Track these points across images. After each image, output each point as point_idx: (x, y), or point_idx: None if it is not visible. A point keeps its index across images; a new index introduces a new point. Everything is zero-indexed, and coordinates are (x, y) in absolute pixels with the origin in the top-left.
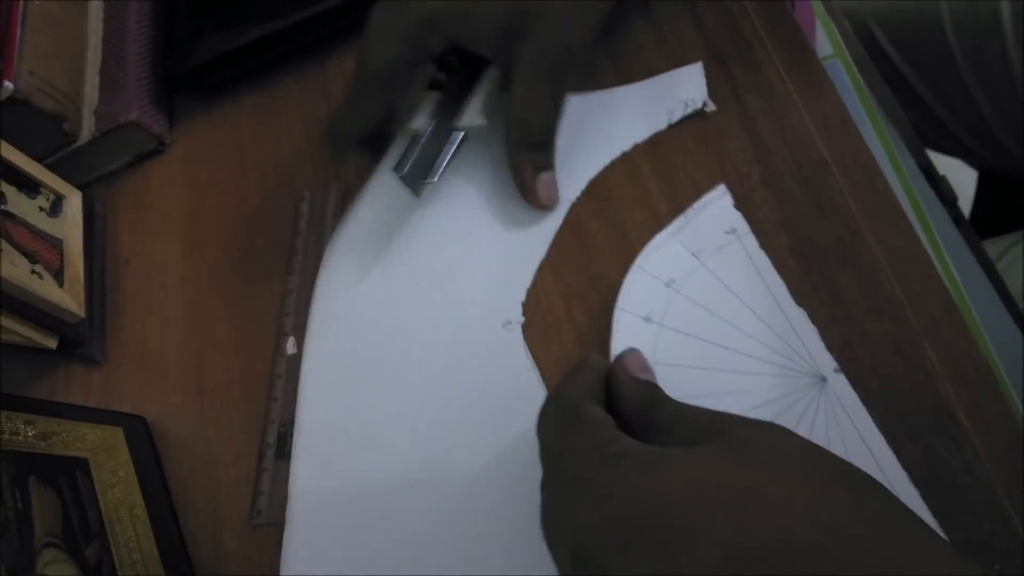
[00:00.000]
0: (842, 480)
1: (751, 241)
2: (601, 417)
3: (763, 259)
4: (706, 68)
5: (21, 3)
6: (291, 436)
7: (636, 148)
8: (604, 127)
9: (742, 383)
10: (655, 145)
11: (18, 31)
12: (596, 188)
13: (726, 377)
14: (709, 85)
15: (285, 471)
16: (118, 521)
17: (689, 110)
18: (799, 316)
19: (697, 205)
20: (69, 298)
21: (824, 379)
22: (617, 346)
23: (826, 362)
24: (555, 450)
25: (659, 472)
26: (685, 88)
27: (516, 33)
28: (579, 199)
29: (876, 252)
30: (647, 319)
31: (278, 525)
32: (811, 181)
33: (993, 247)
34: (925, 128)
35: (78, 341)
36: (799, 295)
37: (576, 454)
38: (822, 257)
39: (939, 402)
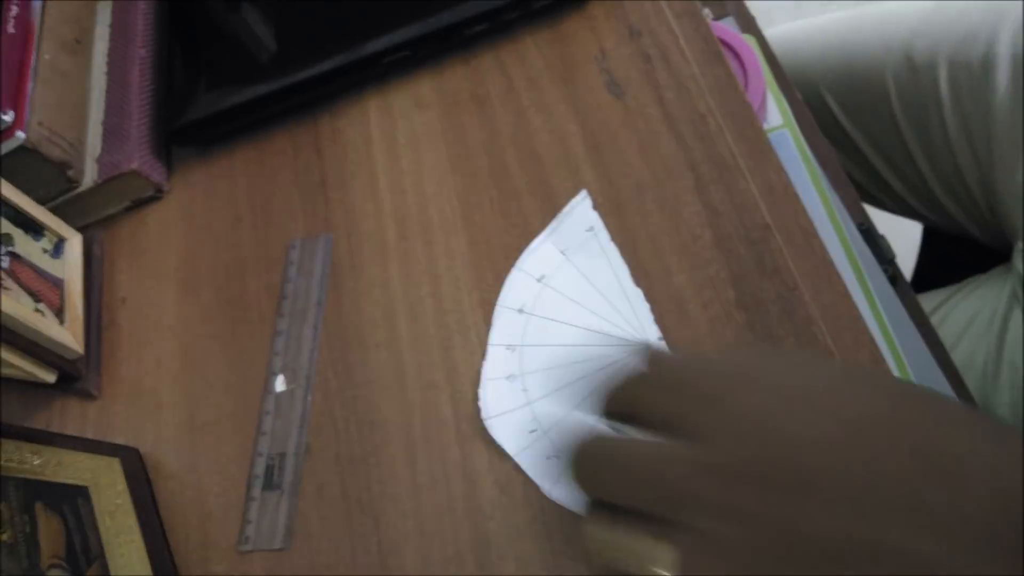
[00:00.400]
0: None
1: (604, 236)
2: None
3: (613, 251)
4: (661, 138)
5: (33, 57)
6: (279, 468)
7: (601, 208)
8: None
9: (588, 353)
10: (618, 206)
11: (29, 84)
12: None
13: (576, 350)
14: (669, 155)
15: (272, 501)
16: (116, 546)
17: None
18: (637, 296)
19: (566, 209)
20: (69, 335)
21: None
22: (494, 336)
23: (653, 332)
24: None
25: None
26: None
27: None
28: None
29: (811, 307)
30: (520, 311)
31: (264, 551)
32: (755, 243)
33: (934, 298)
34: (873, 189)
35: (76, 376)
36: (743, 344)
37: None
38: (764, 311)
39: None
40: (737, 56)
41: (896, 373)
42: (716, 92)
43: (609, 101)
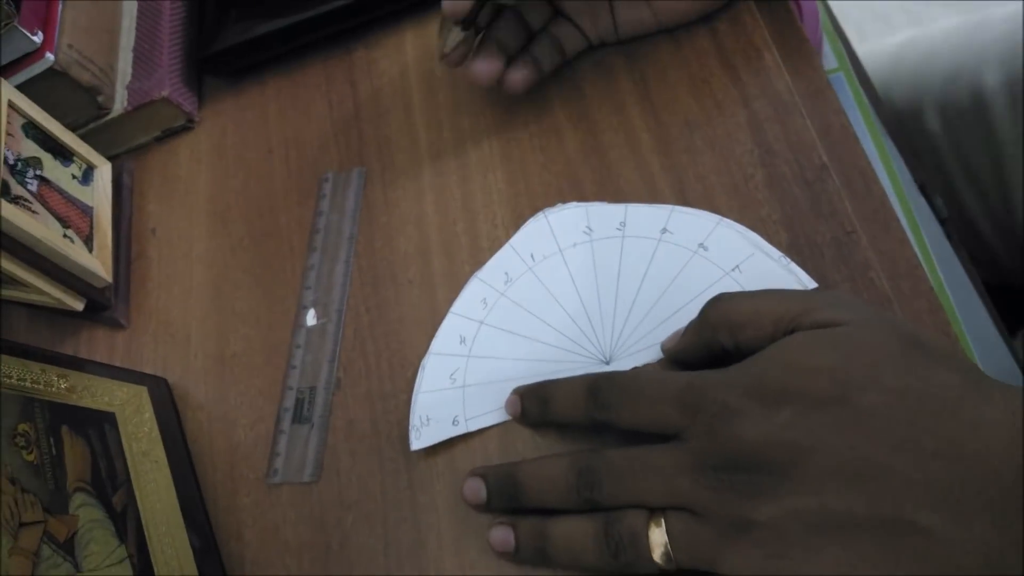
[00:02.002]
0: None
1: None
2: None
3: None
4: (713, 73)
5: None
6: (309, 402)
7: (646, 146)
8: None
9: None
10: (666, 144)
11: (59, 5)
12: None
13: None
14: (720, 91)
15: (301, 435)
16: (142, 473)
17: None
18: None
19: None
20: (98, 263)
21: (607, 363)
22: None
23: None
24: (648, 386)
25: (763, 358)
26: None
27: None
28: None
29: (868, 252)
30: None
31: (292, 484)
32: (811, 184)
33: None
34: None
35: (104, 305)
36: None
37: (675, 378)
38: (818, 254)
39: None
40: None
41: (950, 323)
42: (773, 25)
43: (658, 33)
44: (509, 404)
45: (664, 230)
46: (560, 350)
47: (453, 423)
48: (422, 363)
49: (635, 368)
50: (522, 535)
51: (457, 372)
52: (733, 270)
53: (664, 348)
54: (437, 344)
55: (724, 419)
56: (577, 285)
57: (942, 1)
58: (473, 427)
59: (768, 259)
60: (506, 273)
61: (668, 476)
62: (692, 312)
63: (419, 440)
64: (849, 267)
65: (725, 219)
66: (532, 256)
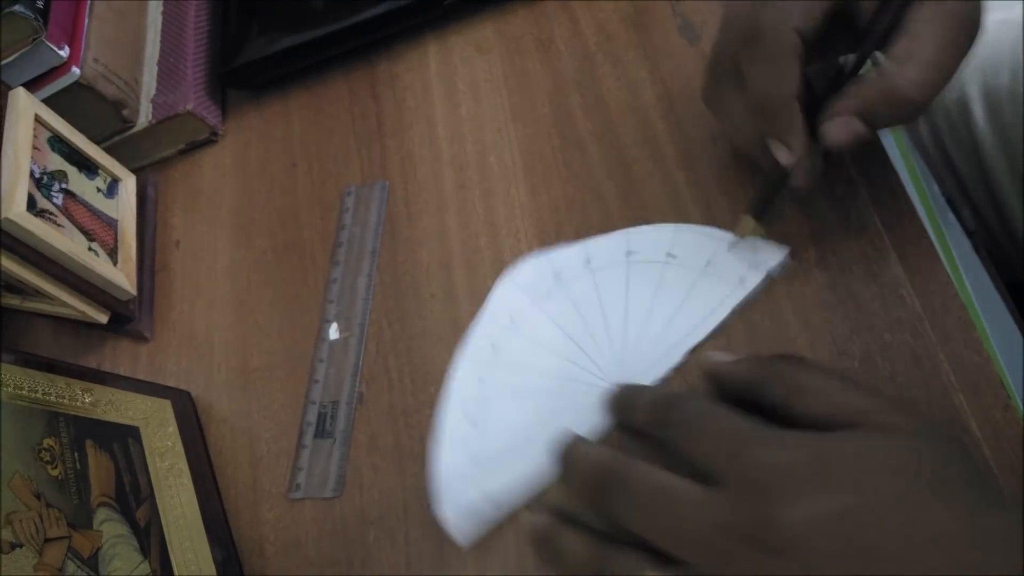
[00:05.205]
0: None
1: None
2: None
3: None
4: None
5: None
6: (331, 416)
7: (671, 160)
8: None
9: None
10: (691, 158)
11: (86, 20)
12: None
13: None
14: None
15: (324, 449)
16: (166, 487)
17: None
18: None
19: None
20: (122, 276)
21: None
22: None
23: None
24: (711, 421)
25: (838, 441)
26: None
27: None
28: None
29: (898, 269)
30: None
31: (315, 499)
32: (840, 199)
33: None
34: None
35: (128, 317)
36: (823, 305)
37: (742, 422)
38: (847, 270)
39: (952, 412)
40: None
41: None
42: None
43: (682, 46)
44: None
45: (629, 253)
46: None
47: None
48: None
49: (691, 395)
50: (534, 527)
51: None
52: (705, 266)
53: (712, 361)
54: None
55: (772, 490)
56: (563, 329)
57: None
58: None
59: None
60: (492, 345)
61: (687, 523)
62: (680, 322)
63: (465, 528)
64: (879, 284)
65: (682, 225)
66: (511, 319)
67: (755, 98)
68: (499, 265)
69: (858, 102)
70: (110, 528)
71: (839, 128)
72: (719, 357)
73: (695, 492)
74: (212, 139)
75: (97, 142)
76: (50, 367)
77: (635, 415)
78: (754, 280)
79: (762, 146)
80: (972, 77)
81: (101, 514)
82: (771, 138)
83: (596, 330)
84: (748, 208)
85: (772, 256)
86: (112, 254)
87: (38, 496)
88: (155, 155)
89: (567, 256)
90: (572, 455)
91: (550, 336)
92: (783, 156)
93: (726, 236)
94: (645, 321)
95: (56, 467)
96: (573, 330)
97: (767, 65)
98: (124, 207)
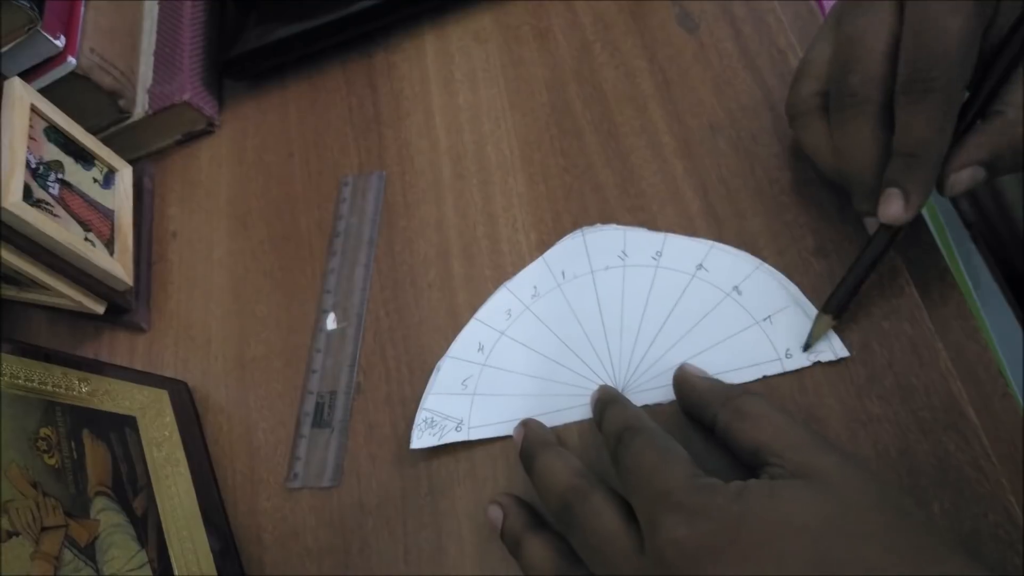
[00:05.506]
0: (902, 518)
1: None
2: (685, 453)
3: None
4: (737, 76)
5: None
6: (329, 406)
7: (669, 149)
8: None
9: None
10: (689, 147)
11: (82, 9)
12: None
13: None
14: (744, 93)
15: (322, 439)
16: (163, 477)
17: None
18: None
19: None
20: (119, 266)
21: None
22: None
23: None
24: (644, 473)
25: (749, 501)
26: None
27: None
28: None
29: (897, 258)
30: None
31: (312, 489)
32: (839, 188)
33: None
34: None
35: (125, 308)
36: (821, 294)
37: (669, 479)
38: (846, 259)
39: (951, 400)
40: None
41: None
42: (797, 27)
43: (681, 35)
44: (516, 432)
45: (700, 266)
46: (574, 374)
47: (456, 429)
48: (438, 364)
49: (641, 429)
50: (507, 528)
51: (470, 379)
52: (764, 320)
53: (685, 371)
54: (456, 348)
55: (680, 568)
56: (602, 310)
57: None
58: (475, 436)
59: (802, 314)
60: (535, 287)
61: (619, 571)
62: (710, 358)
63: (419, 440)
64: (878, 273)
65: (765, 264)
66: (563, 274)
67: (906, 146)
68: (497, 255)
69: (987, 152)
70: (107, 517)
71: (968, 179)
72: (692, 370)
73: (628, 545)
74: (209, 129)
75: (93, 132)
76: (47, 357)
77: (601, 429)
78: (800, 362)
79: (864, 193)
80: None
81: (98, 503)
82: (891, 186)
83: (628, 328)
84: (825, 305)
85: (830, 350)
86: (109, 245)
87: (35, 485)
88: (152, 145)
89: (641, 240)
90: (549, 469)
91: (587, 312)
92: (896, 209)
93: (807, 303)
94: (678, 339)
95: (53, 456)
96: (609, 317)
97: (930, 113)
98: (121, 197)
